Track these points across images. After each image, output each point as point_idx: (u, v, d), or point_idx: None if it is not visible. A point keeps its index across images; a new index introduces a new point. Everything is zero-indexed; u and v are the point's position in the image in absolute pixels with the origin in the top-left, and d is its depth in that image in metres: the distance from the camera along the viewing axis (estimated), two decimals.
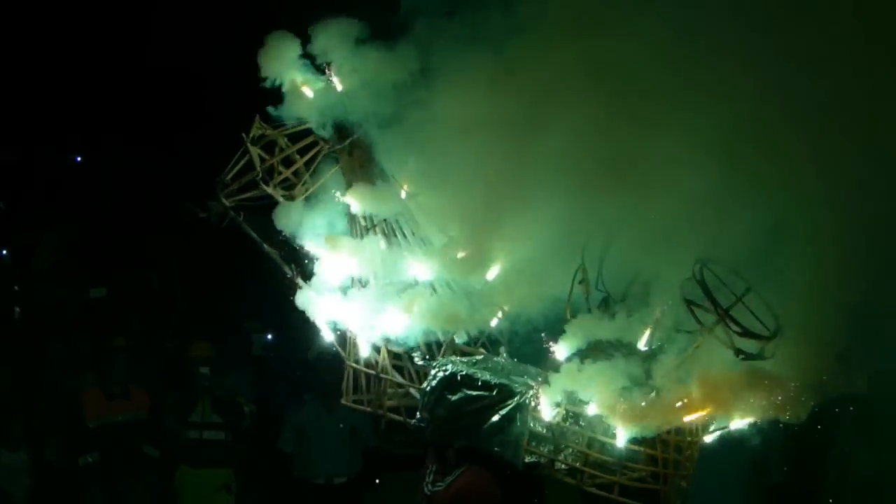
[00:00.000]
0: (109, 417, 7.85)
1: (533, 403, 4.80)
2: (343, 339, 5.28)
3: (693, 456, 4.77)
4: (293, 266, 5.29)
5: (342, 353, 5.28)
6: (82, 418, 7.88)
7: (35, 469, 8.16)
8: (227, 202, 5.22)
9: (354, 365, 5.22)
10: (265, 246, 5.30)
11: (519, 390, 4.84)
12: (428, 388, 4.94)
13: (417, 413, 4.98)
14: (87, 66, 11.57)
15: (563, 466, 4.86)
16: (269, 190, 5.22)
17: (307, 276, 5.27)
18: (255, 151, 5.26)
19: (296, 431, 8.21)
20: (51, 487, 8.22)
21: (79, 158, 13.43)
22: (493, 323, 5.24)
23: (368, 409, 5.24)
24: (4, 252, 13.50)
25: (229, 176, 5.22)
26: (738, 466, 6.51)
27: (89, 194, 12.38)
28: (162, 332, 10.84)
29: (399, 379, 5.21)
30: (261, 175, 5.20)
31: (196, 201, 5.25)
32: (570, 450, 4.85)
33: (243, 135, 5.26)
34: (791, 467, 6.71)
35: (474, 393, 4.84)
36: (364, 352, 5.14)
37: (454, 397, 4.85)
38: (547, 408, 4.79)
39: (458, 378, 4.87)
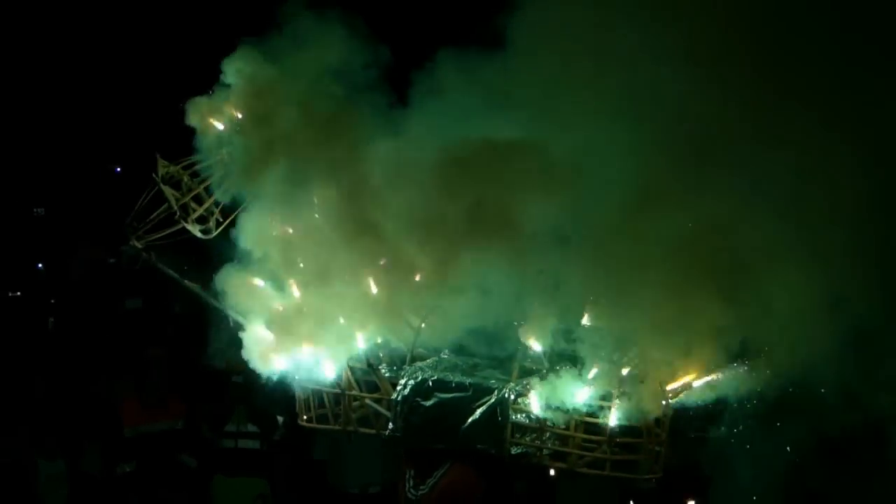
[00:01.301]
0: (146, 427, 7.87)
1: (512, 396, 4.82)
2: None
3: (667, 421, 4.79)
4: (219, 296, 5.20)
5: (293, 378, 5.21)
6: (119, 427, 7.90)
7: (73, 478, 8.24)
8: (138, 244, 5.16)
9: (315, 386, 5.14)
10: (185, 283, 5.28)
11: (495, 386, 4.88)
12: (399, 397, 4.96)
13: (389, 423, 4.98)
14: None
15: (549, 451, 4.84)
16: (188, 226, 5.21)
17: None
18: (168, 191, 5.20)
19: (330, 440, 8.18)
20: (88, 496, 8.28)
21: (118, 169, 13.57)
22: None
23: (336, 426, 5.17)
24: (40, 265, 13.69)
25: (140, 218, 5.11)
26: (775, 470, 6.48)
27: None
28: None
29: (364, 395, 5.12)
30: (178, 212, 5.17)
31: (105, 247, 5.23)
32: (551, 435, 4.81)
33: (154, 174, 5.22)
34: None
35: (448, 395, 4.90)
36: (329, 373, 5.06)
37: (428, 403, 4.91)
38: (534, 399, 4.77)
39: (430, 383, 4.92)
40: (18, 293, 13.73)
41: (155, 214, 5.16)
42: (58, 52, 11.73)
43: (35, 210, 13.94)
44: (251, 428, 8.03)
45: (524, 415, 4.85)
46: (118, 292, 11.29)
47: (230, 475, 7.95)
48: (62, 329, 12.07)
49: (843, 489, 6.42)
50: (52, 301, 13.34)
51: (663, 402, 4.73)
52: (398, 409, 4.96)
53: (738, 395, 4.85)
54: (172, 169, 5.25)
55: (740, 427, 6.59)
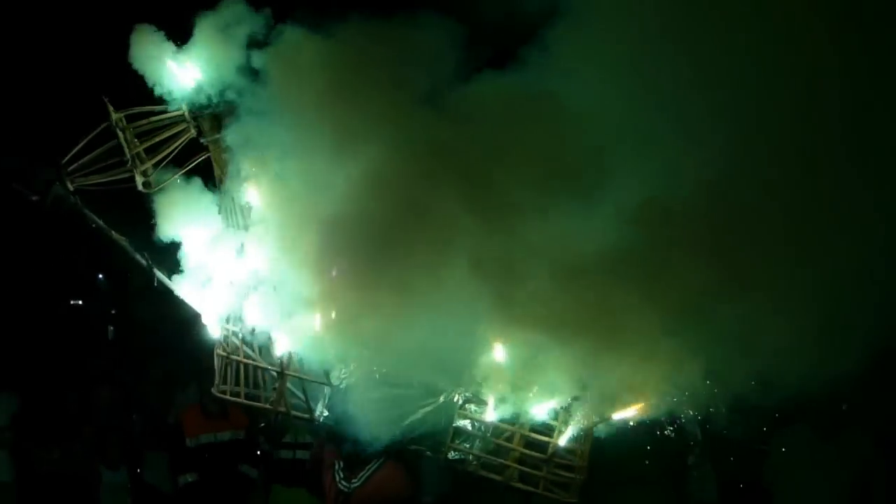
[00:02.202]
0: (208, 437, 7.87)
1: (460, 401, 4.80)
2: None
3: (586, 450, 4.84)
4: (145, 254, 5.10)
5: (220, 345, 5.16)
6: (181, 438, 7.95)
7: (135, 488, 8.32)
8: (70, 185, 4.90)
9: (250, 361, 5.09)
10: (113, 234, 5.06)
11: (444, 388, 4.83)
12: (343, 384, 4.93)
13: (323, 410, 4.97)
14: None
15: (491, 463, 4.82)
16: (137, 176, 4.99)
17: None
18: (124, 136, 4.99)
19: None
20: None
21: None
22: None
23: (268, 406, 5.12)
24: (101, 276, 13.89)
25: (78, 160, 4.87)
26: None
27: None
28: None
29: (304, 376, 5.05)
30: (129, 160, 4.97)
31: (28, 183, 4.94)
32: (490, 446, 4.80)
33: (114, 121, 5.00)
34: None
35: (396, 391, 4.82)
36: (279, 350, 4.98)
37: (373, 394, 4.82)
38: (490, 406, 4.73)
39: (378, 376, 4.86)
40: (80, 302, 13.93)
41: (94, 155, 4.91)
42: None
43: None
44: (309, 438, 8.04)
45: (468, 421, 4.82)
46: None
47: (289, 485, 7.96)
48: (123, 338, 12.23)
49: None
50: (113, 311, 13.55)
51: (586, 433, 4.77)
52: (338, 397, 4.92)
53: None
54: (116, 116, 5.03)
55: (802, 440, 6.52)
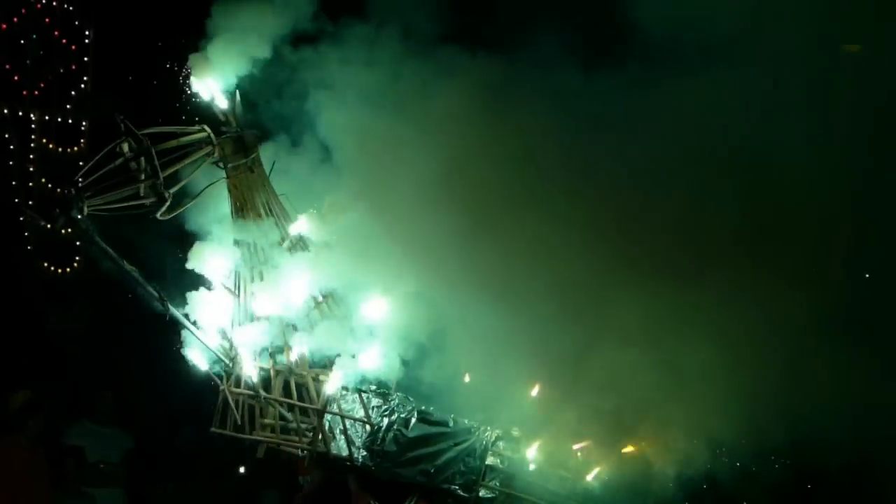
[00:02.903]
0: (305, 479, 7.79)
1: (493, 439, 4.88)
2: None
3: None
4: (156, 287, 4.77)
5: (221, 384, 5.00)
6: (294, 477, 7.89)
7: None
8: (86, 209, 4.41)
9: (285, 399, 4.96)
10: (125, 265, 4.68)
11: (476, 427, 4.93)
12: (382, 423, 4.89)
13: (360, 449, 4.89)
14: None
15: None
16: (146, 198, 4.53)
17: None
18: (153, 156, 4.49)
19: None
20: None
21: None
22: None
23: (306, 447, 4.96)
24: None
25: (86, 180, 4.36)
26: None
27: None
28: None
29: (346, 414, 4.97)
30: (157, 183, 4.52)
31: (42, 209, 4.57)
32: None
33: (127, 140, 4.53)
34: None
35: (432, 430, 4.87)
36: (329, 388, 4.86)
37: (411, 434, 4.85)
38: (532, 448, 4.86)
39: (415, 414, 4.90)
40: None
41: (104, 172, 4.44)
42: None
43: None
44: None
45: (499, 458, 4.91)
46: None
47: None
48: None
49: None
50: None
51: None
52: (379, 435, 4.89)
53: None
54: (141, 136, 4.56)
55: None
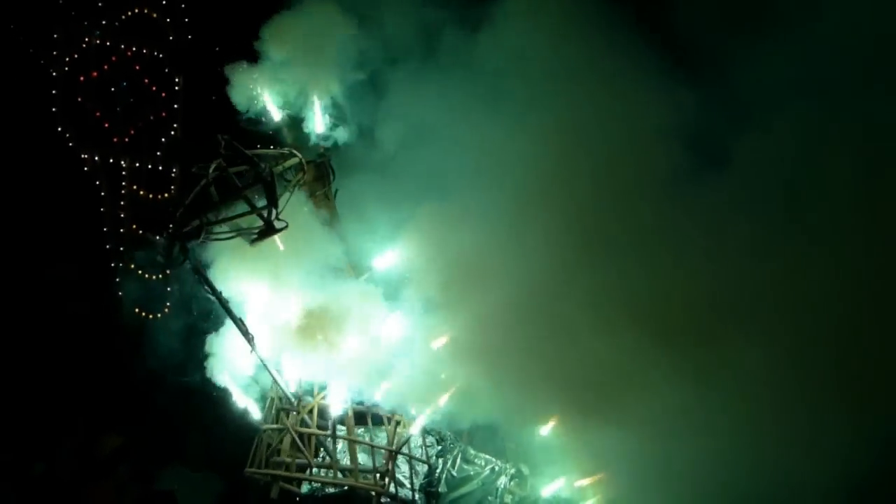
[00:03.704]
0: None
1: (510, 475, 5.15)
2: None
3: None
4: (248, 329, 4.72)
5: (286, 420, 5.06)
6: None
7: None
8: (195, 242, 4.25)
9: (361, 440, 5.01)
10: (229, 305, 4.63)
11: (498, 465, 5.17)
12: (438, 464, 5.05)
13: (417, 492, 4.98)
14: None
15: None
16: (274, 231, 4.38)
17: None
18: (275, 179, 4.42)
19: None
20: None
21: None
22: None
23: (372, 487, 4.93)
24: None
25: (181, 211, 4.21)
26: None
27: None
28: None
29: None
30: (273, 212, 4.37)
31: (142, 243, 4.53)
32: None
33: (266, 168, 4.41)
34: None
35: (470, 469, 5.08)
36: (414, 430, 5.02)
37: (458, 473, 5.04)
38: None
39: (460, 454, 5.15)
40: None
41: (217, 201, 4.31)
42: None
43: None
44: None
45: (511, 496, 5.11)
46: None
47: None
48: None
49: None
50: None
51: None
52: (435, 475, 5.08)
53: None
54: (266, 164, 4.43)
55: None
